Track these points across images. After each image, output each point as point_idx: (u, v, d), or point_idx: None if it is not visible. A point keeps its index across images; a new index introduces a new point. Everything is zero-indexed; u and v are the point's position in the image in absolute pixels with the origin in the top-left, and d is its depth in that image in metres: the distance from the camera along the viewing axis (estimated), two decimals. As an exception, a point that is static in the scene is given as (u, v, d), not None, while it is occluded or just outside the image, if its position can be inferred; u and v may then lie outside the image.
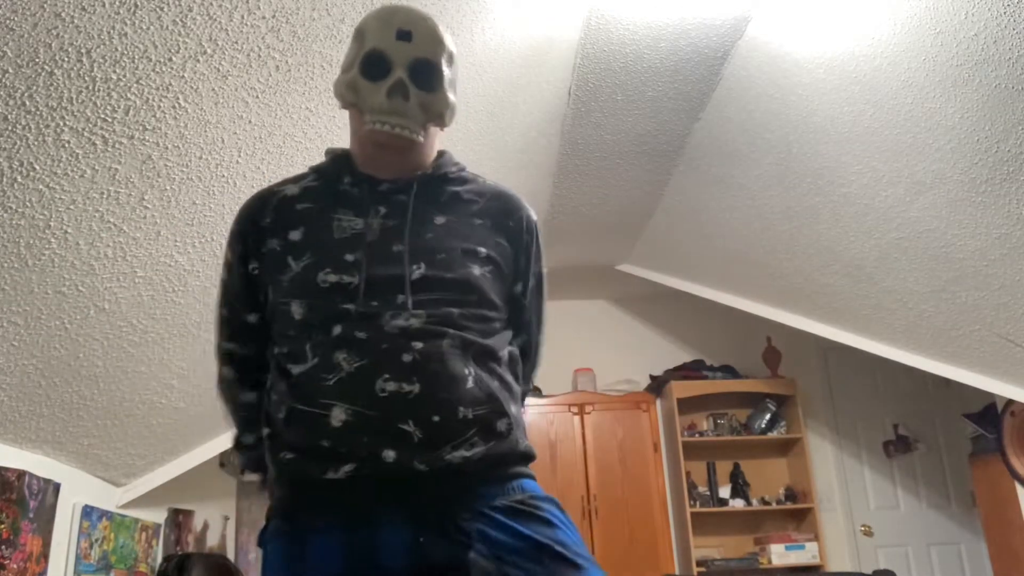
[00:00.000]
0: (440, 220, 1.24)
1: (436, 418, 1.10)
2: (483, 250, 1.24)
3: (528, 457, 1.21)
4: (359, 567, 1.07)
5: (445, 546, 1.08)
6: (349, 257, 1.18)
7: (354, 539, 1.08)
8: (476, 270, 1.22)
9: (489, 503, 1.11)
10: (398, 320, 1.14)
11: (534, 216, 1.37)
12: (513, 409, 1.19)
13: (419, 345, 1.12)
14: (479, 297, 1.21)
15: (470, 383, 1.14)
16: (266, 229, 1.26)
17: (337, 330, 1.14)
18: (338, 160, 1.29)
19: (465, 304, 1.19)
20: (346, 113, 1.31)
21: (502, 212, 1.30)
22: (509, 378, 1.23)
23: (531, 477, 1.20)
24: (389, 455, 1.08)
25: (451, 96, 1.27)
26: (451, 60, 1.27)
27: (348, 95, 1.24)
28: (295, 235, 1.23)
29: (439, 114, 1.25)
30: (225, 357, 1.34)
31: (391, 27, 1.21)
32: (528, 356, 1.38)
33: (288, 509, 1.16)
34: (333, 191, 1.26)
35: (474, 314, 1.20)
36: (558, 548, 1.09)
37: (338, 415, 1.10)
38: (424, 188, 1.26)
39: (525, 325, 1.36)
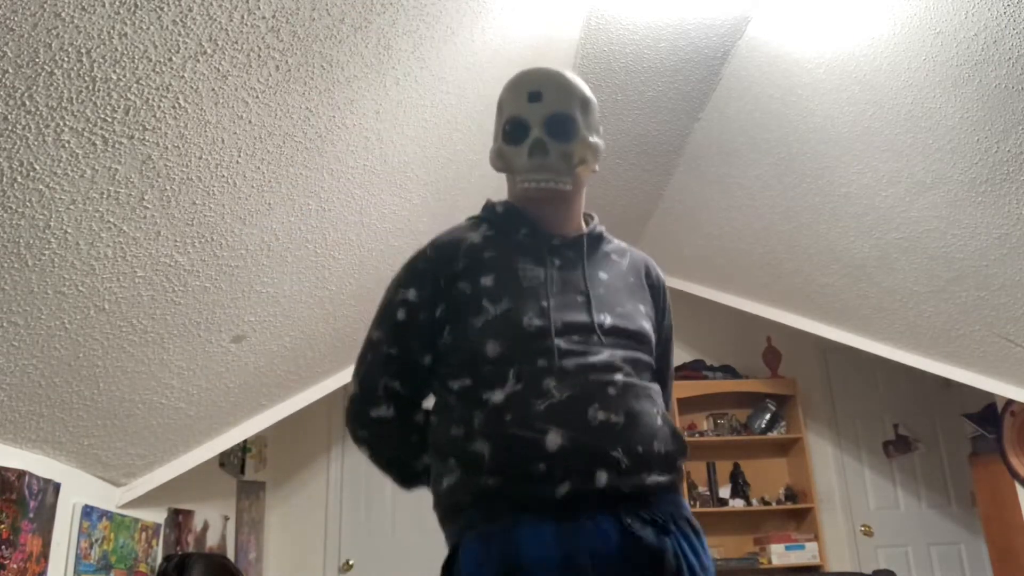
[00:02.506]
0: (604, 276, 1.36)
1: (640, 448, 1.21)
2: (643, 307, 1.37)
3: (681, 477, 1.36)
4: (573, 553, 1.12)
5: (650, 532, 1.18)
6: (543, 303, 1.27)
7: (563, 529, 1.14)
8: (646, 324, 1.35)
9: (672, 512, 1.23)
10: (600, 356, 1.24)
11: (663, 274, 1.50)
12: (687, 451, 1.34)
13: (620, 379, 1.24)
14: (649, 349, 1.34)
15: (659, 421, 1.27)
16: (460, 273, 1.32)
17: (542, 362, 1.22)
18: (511, 213, 1.39)
19: (641, 353, 1.32)
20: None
21: (644, 272, 1.44)
22: (666, 422, 1.35)
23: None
24: (602, 478, 1.17)
25: (592, 139, 1.37)
26: (586, 106, 1.36)
27: (498, 163, 1.39)
28: (487, 280, 1.30)
29: (582, 159, 1.35)
30: (388, 396, 1.34)
31: (522, 92, 1.33)
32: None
33: (492, 518, 1.18)
34: (511, 241, 1.36)
35: (647, 363, 1.33)
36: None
37: (554, 439, 1.17)
38: (589, 245, 1.39)
39: (661, 377, 1.44)
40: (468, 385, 1.25)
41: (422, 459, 1.34)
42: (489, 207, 1.42)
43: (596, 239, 1.41)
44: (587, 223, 1.44)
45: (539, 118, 1.31)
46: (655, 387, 1.33)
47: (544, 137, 1.31)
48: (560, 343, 1.23)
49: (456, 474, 1.22)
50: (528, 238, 1.35)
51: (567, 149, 1.32)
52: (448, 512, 1.25)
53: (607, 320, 1.29)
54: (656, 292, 1.44)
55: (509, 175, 1.39)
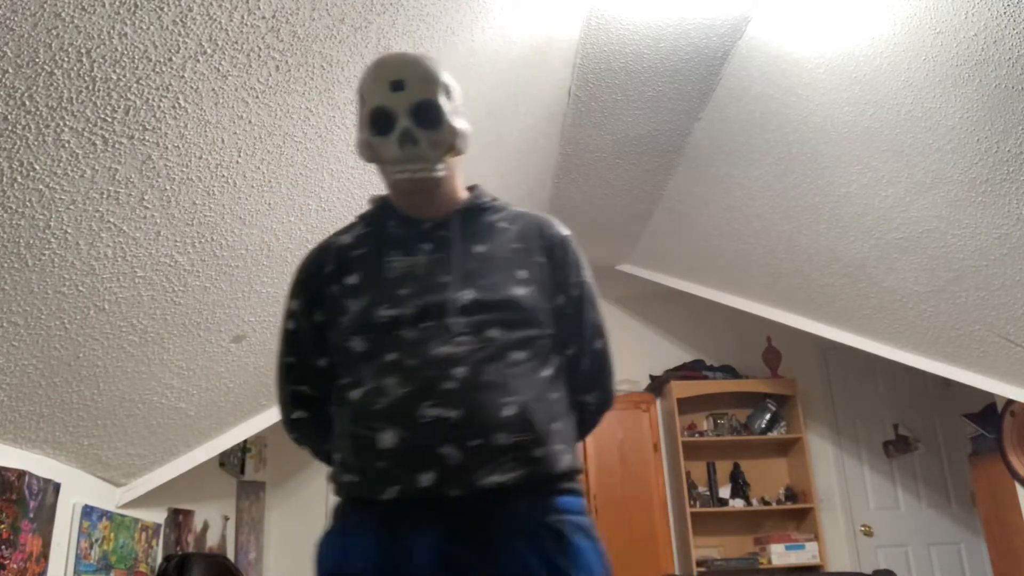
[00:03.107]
0: (480, 249, 1.33)
1: (474, 442, 1.16)
2: (522, 272, 1.32)
3: (569, 474, 1.26)
4: (388, 567, 1.16)
5: (471, 558, 1.15)
6: (401, 292, 1.28)
7: (387, 541, 1.17)
8: (519, 290, 1.30)
9: (521, 523, 1.17)
10: (445, 347, 1.21)
11: (565, 231, 1.44)
12: (556, 427, 1.25)
13: (461, 372, 1.20)
14: (524, 316, 1.28)
15: (509, 410, 1.20)
16: (326, 277, 1.36)
17: (391, 357, 1.23)
18: (382, 206, 1.40)
19: (510, 324, 1.26)
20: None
21: (535, 234, 1.39)
22: (555, 395, 1.29)
23: (572, 492, 1.26)
24: (426, 479, 1.15)
25: (457, 124, 1.33)
26: (448, 90, 1.34)
27: (367, 154, 1.34)
28: (352, 279, 1.33)
29: (451, 145, 1.32)
30: (297, 400, 1.43)
31: (383, 81, 1.30)
32: (583, 365, 1.40)
33: (339, 516, 1.28)
34: (382, 235, 1.37)
35: (521, 336, 1.27)
36: None
37: (387, 438, 1.18)
38: (463, 221, 1.36)
39: (574, 335, 1.39)
40: (346, 383, 1.29)
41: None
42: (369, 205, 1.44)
43: (474, 211, 1.38)
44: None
45: (404, 107, 1.29)
46: (531, 365, 1.26)
47: (412, 127, 1.29)
48: (408, 334, 1.23)
49: (335, 468, 1.30)
50: (398, 228, 1.36)
51: (436, 137, 1.30)
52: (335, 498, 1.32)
53: (468, 296, 1.26)
54: (551, 250, 1.38)
55: (380, 166, 1.36)
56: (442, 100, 1.31)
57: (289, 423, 1.45)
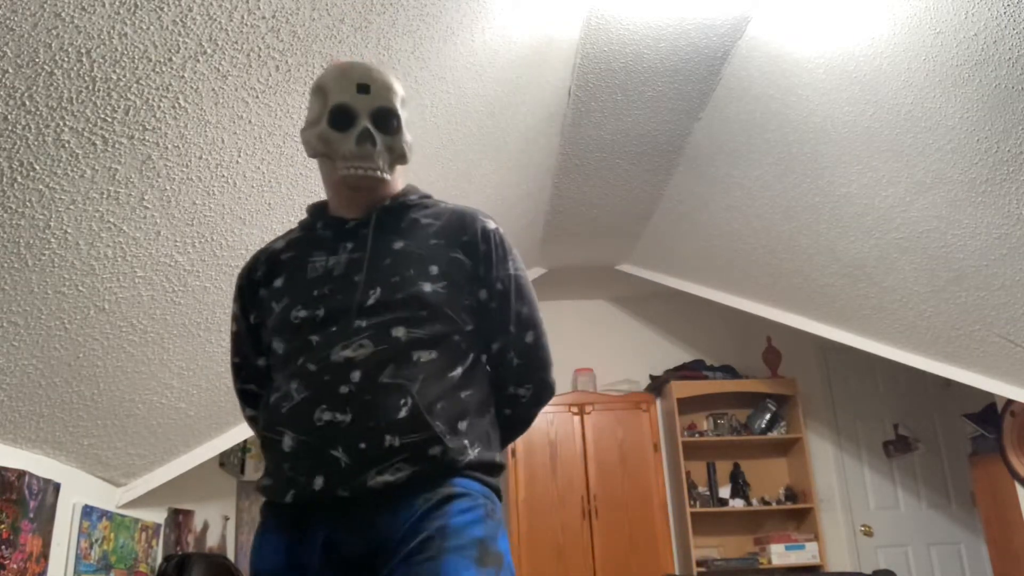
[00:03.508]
0: (399, 245, 1.35)
1: (362, 445, 1.18)
2: (435, 268, 1.33)
3: (475, 465, 1.24)
4: (285, 564, 1.22)
5: (353, 542, 1.18)
6: (316, 292, 1.32)
7: (288, 541, 1.23)
8: (427, 287, 1.30)
9: (410, 512, 1.18)
10: (346, 351, 1.24)
11: (491, 225, 1.43)
12: (463, 424, 1.25)
13: (357, 376, 1.22)
14: (430, 312, 1.29)
15: (403, 412, 1.20)
16: (257, 282, 1.43)
17: (300, 361, 1.27)
18: (314, 210, 1.45)
19: (416, 322, 1.27)
20: None
21: (457, 228, 1.39)
22: (465, 393, 1.29)
23: (474, 478, 1.24)
24: (318, 482, 1.19)
25: (408, 136, 1.41)
26: (403, 103, 1.42)
27: (319, 146, 1.37)
28: (278, 282, 1.39)
29: (401, 153, 1.39)
30: (246, 398, 1.52)
31: (351, 82, 1.36)
32: (511, 360, 1.40)
33: (261, 518, 1.33)
34: (310, 238, 1.42)
35: (427, 334, 1.27)
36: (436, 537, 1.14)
37: (287, 442, 1.23)
38: (384, 218, 1.38)
39: (500, 330, 1.39)
40: (272, 386, 1.34)
41: None
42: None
43: (398, 208, 1.40)
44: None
45: (367, 109, 1.35)
46: (436, 366, 1.26)
47: (371, 128, 1.34)
48: (315, 338, 1.27)
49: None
50: (324, 229, 1.40)
51: (391, 142, 1.37)
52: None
53: (374, 296, 1.28)
54: (473, 246, 1.38)
55: (325, 160, 1.40)
56: (400, 111, 1.39)
57: (247, 420, 1.54)
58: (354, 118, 1.34)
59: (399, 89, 1.40)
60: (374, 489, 1.17)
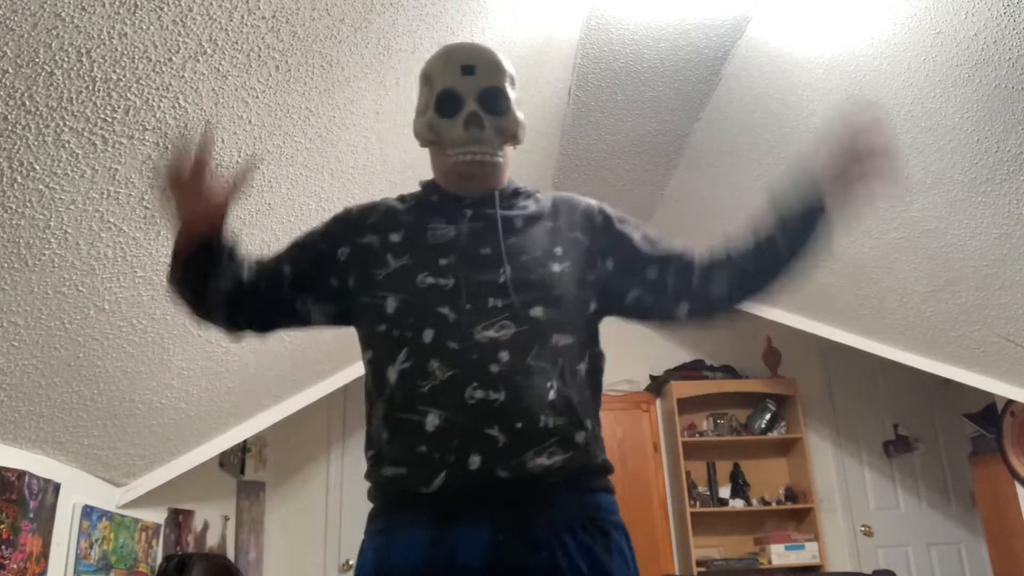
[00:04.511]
0: (520, 225, 1.33)
1: (519, 425, 1.15)
2: (559, 249, 1.31)
3: (605, 470, 1.26)
4: (439, 562, 1.12)
5: (521, 549, 1.12)
6: (443, 261, 1.26)
7: (436, 535, 1.14)
8: (555, 267, 1.29)
9: (567, 515, 1.16)
10: (489, 332, 1.20)
11: (595, 203, 1.43)
12: (589, 424, 1.24)
13: (505, 356, 1.19)
14: (561, 292, 1.27)
15: (552, 395, 1.19)
16: (369, 226, 1.34)
17: (429, 336, 1.21)
18: (428, 185, 1.40)
19: (550, 302, 1.25)
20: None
21: (568, 211, 1.38)
22: (588, 394, 1.27)
23: (608, 491, 1.26)
24: (474, 461, 1.13)
25: (519, 114, 1.36)
26: (513, 82, 1.37)
27: (428, 134, 1.34)
28: (396, 237, 1.31)
29: (513, 134, 1.35)
30: (261, 268, 1.35)
31: (455, 65, 1.32)
32: (670, 274, 1.38)
33: (381, 516, 1.23)
34: (426, 205, 1.36)
35: (561, 317, 1.25)
36: None
37: (432, 420, 1.16)
38: (503, 201, 1.35)
39: (639, 263, 1.38)
40: (373, 358, 1.27)
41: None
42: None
43: (512, 195, 1.38)
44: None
45: (474, 91, 1.31)
46: (564, 354, 1.24)
47: (479, 110, 1.30)
48: (448, 313, 1.21)
49: (370, 464, 1.25)
50: (441, 201, 1.36)
51: (501, 123, 1.32)
52: (370, 496, 1.27)
53: (505, 275, 1.25)
54: (587, 223, 1.37)
55: (436, 148, 1.36)
56: (508, 89, 1.34)
57: (173, 284, 1.35)
58: (461, 102, 1.31)
59: (507, 67, 1.35)
60: (532, 472, 1.14)
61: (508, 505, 1.14)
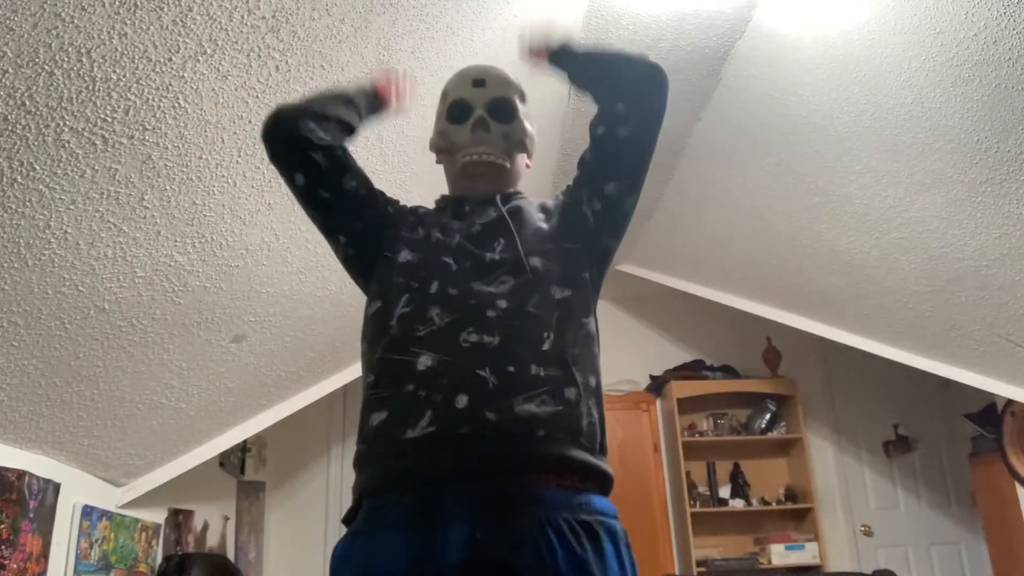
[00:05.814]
0: (519, 220, 1.38)
1: (511, 368, 1.17)
2: (552, 218, 1.40)
3: (605, 474, 1.22)
4: (421, 564, 1.09)
5: (501, 546, 1.08)
6: (450, 228, 1.36)
7: (420, 537, 1.10)
8: (546, 226, 1.37)
9: (553, 512, 1.12)
10: (489, 287, 1.25)
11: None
12: (581, 383, 1.22)
13: (504, 303, 1.23)
14: (557, 245, 1.33)
15: (547, 345, 1.21)
16: (405, 209, 1.46)
17: (434, 287, 1.26)
18: (439, 199, 1.50)
19: (548, 254, 1.31)
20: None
21: (548, 205, 1.46)
22: (583, 356, 1.26)
23: (604, 492, 1.23)
24: (461, 400, 1.14)
25: (528, 125, 1.48)
26: (523, 97, 1.49)
27: (440, 142, 1.46)
28: (419, 214, 1.44)
29: (519, 141, 1.45)
30: (314, 148, 1.37)
31: (467, 79, 1.46)
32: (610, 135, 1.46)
33: (365, 518, 1.18)
34: (438, 211, 1.46)
35: (560, 268, 1.30)
36: None
37: (424, 361, 1.19)
38: (503, 201, 1.42)
39: (611, 165, 1.45)
40: (377, 309, 1.30)
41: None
42: None
43: (512, 196, 1.44)
44: None
45: (482, 101, 1.42)
46: (565, 305, 1.27)
47: (486, 116, 1.41)
48: (452, 264, 1.28)
49: (360, 428, 1.24)
50: (448, 205, 1.45)
51: (507, 129, 1.43)
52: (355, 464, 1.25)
53: (502, 244, 1.32)
54: (564, 202, 1.43)
55: (448, 157, 1.46)
56: (516, 101, 1.46)
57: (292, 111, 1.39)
58: (470, 110, 1.42)
59: (518, 84, 1.48)
60: (520, 417, 1.13)
61: (491, 501, 1.10)
